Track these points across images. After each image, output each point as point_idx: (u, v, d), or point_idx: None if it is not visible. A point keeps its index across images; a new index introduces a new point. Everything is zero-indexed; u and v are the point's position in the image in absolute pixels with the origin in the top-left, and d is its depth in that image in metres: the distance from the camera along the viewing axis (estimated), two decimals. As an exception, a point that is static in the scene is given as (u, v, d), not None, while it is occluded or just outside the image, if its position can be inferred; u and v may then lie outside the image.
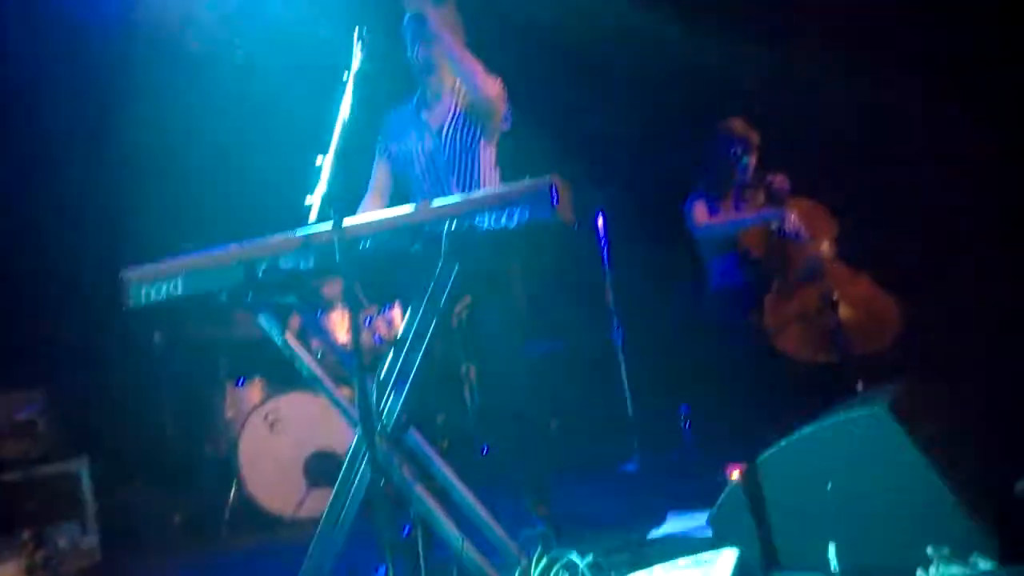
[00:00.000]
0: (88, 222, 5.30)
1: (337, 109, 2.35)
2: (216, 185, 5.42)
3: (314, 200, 2.20)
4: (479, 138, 3.06)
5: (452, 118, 3.07)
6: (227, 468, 4.34)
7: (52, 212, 5.23)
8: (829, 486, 2.20)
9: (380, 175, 3.17)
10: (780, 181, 3.81)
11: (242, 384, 4.63)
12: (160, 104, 5.32)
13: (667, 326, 4.45)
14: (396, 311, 4.66)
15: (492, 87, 2.99)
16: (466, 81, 2.97)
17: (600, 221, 4.21)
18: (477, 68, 2.96)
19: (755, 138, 3.90)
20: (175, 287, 2.42)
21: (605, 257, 4.19)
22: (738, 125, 3.91)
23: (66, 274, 5.12)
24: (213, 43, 5.41)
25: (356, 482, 2.39)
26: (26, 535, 3.73)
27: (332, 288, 4.85)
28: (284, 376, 4.75)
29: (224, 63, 5.41)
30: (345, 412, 2.45)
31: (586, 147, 5.56)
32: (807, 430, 2.30)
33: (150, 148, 5.39)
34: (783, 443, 2.33)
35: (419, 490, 2.35)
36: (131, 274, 2.46)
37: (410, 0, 3.00)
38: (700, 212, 3.91)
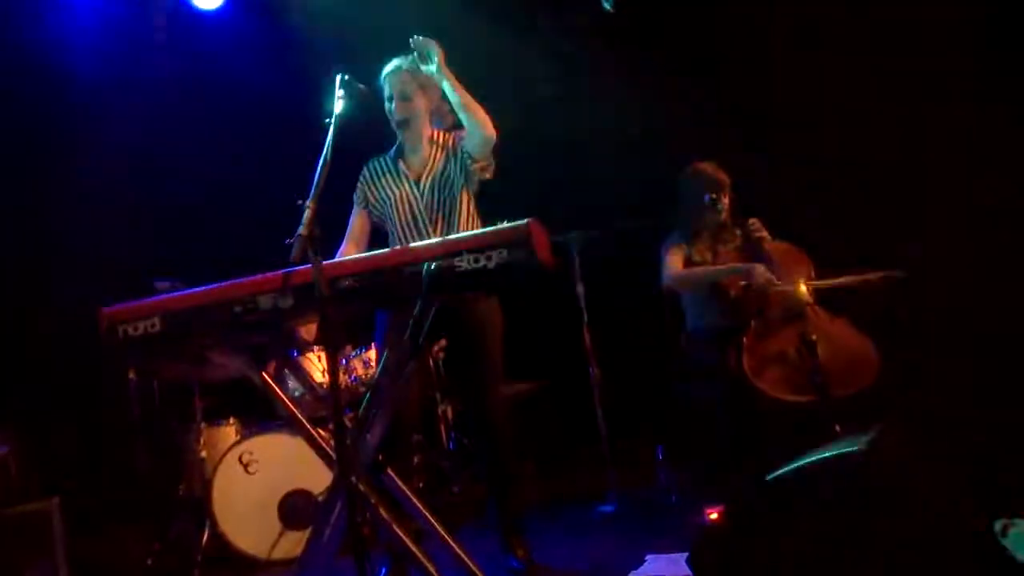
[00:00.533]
0: (64, 258, 5.27)
1: (318, 152, 2.40)
2: (198, 224, 5.44)
3: (294, 241, 2.21)
4: (459, 187, 3.11)
5: (431, 168, 3.12)
6: (200, 509, 4.28)
7: (27, 248, 5.21)
8: (808, 527, 2.21)
9: (357, 224, 3.22)
10: (757, 226, 3.88)
11: (217, 424, 4.60)
12: (147, 140, 5.35)
13: (644, 367, 4.48)
14: (372, 352, 4.68)
15: (491, 127, 3.03)
16: (469, 119, 3.00)
17: (577, 262, 4.24)
18: (480, 107, 3.00)
19: (725, 179, 3.96)
20: (153, 325, 2.42)
21: (582, 299, 4.22)
22: (708, 168, 3.97)
23: (40, 311, 5.08)
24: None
25: (333, 522, 2.37)
26: (-7, 578, 3.67)
27: (309, 328, 4.87)
28: (259, 417, 4.73)
29: (209, 99, 5.45)
30: (322, 452, 2.44)
31: (563, 187, 5.65)
32: (785, 471, 2.32)
33: (129, 185, 5.40)
34: (761, 483, 2.35)
35: (396, 530, 2.34)
36: (109, 311, 2.47)
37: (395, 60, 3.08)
38: (674, 261, 3.94)
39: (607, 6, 5.19)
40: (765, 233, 3.88)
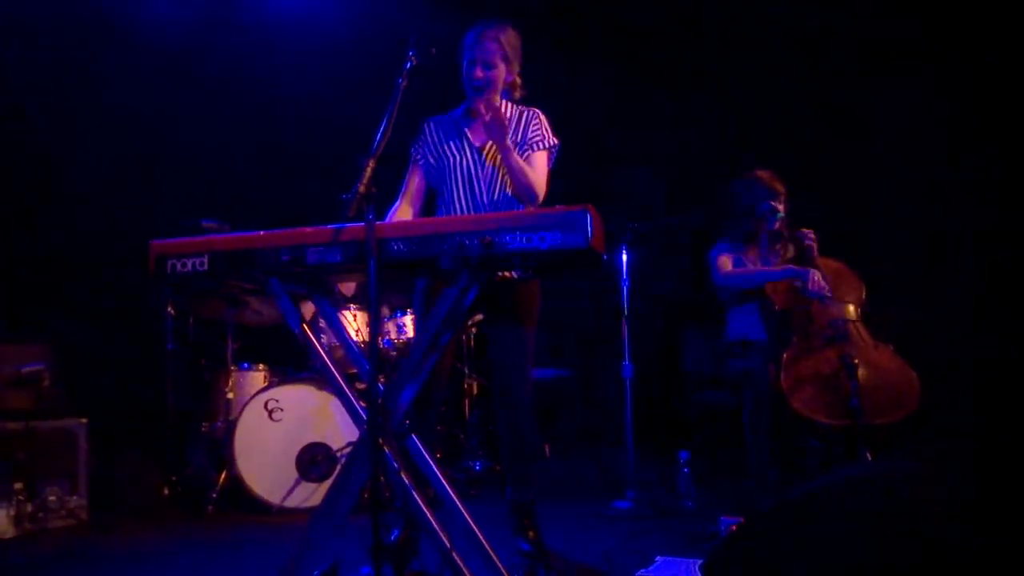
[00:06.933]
0: (118, 186, 5.36)
1: (384, 111, 2.38)
2: (254, 169, 5.49)
3: (350, 197, 2.20)
4: None
5: None
6: (221, 448, 4.35)
7: (81, 174, 5.30)
8: (829, 547, 2.18)
9: (413, 182, 3.14)
10: (809, 236, 3.82)
11: (247, 368, 4.66)
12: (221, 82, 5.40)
13: (679, 369, 4.44)
14: (408, 316, 4.69)
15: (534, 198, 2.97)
16: (516, 185, 2.96)
17: (624, 256, 4.20)
18: (529, 178, 2.95)
19: (783, 188, 3.91)
20: (201, 264, 2.44)
21: (625, 292, 4.18)
22: (765, 176, 3.93)
23: (92, 237, 5.18)
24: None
25: (354, 479, 2.38)
26: (18, 486, 3.77)
27: (348, 285, 4.90)
28: (289, 366, 4.79)
29: (277, 45, 5.49)
30: (352, 408, 2.45)
31: (618, 182, 5.62)
32: (810, 488, 2.28)
33: (190, 125, 5.46)
34: (785, 499, 2.31)
35: (415, 495, 2.34)
36: (159, 244, 2.49)
37: (482, 23, 3.03)
38: (725, 262, 3.92)
39: None
40: (815, 244, 3.81)
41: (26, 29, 5.01)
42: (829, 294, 3.60)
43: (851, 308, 3.64)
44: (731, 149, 5.37)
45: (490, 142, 3.01)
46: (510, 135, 2.97)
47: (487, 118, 2.89)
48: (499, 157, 2.98)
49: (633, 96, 5.64)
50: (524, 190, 2.95)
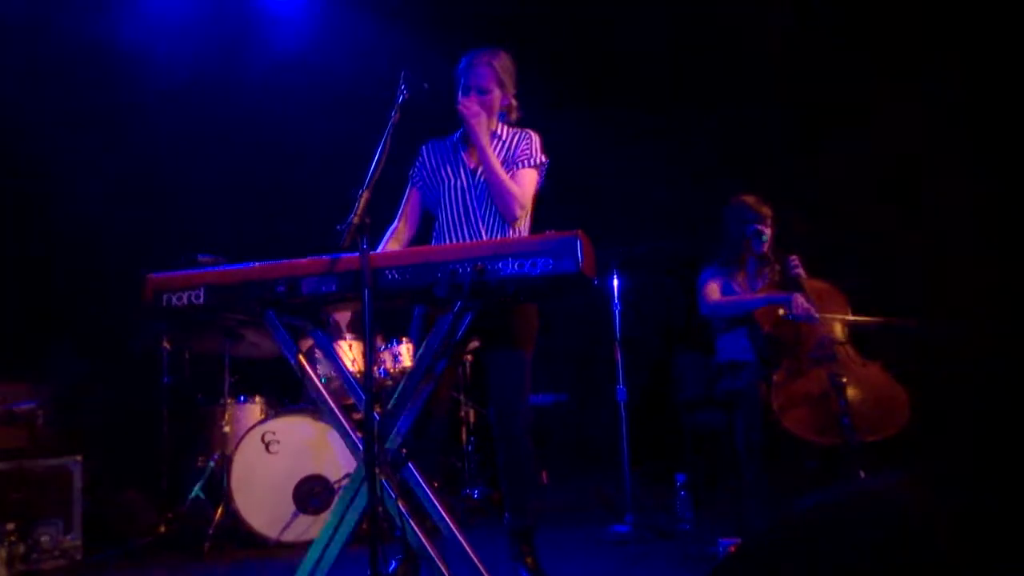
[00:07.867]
0: (110, 222, 5.37)
1: (377, 142, 2.43)
2: (248, 203, 5.52)
3: (345, 227, 2.24)
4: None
5: None
6: (217, 483, 4.32)
7: (73, 210, 5.31)
8: (828, 567, 2.19)
9: (410, 204, 3.18)
10: (795, 263, 3.87)
11: (243, 401, 4.65)
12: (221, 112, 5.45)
13: (673, 391, 4.47)
14: (403, 345, 4.70)
15: (514, 210, 3.01)
16: (495, 195, 3.00)
17: (616, 280, 4.24)
18: (507, 189, 2.98)
19: (768, 212, 3.97)
20: (197, 296, 2.46)
21: (617, 316, 4.21)
22: (751, 200, 3.99)
23: (86, 273, 5.19)
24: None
25: (351, 509, 2.39)
26: (10, 527, 3.73)
27: (343, 315, 4.90)
28: (285, 398, 4.78)
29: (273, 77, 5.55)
30: (349, 438, 2.46)
31: (609, 206, 5.67)
32: (805, 507, 2.29)
33: (183, 160, 5.50)
34: (779, 519, 2.32)
35: (413, 525, 2.35)
36: (155, 278, 2.51)
37: (475, 49, 3.09)
38: (712, 291, 3.97)
39: None
40: (802, 270, 3.87)
41: (34, 68, 5.07)
42: (815, 315, 3.65)
43: (838, 328, 3.69)
44: (719, 173, 5.43)
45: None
46: (501, 154, 3.02)
47: (465, 112, 2.95)
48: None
49: (622, 121, 5.71)
50: (499, 193, 2.96)
